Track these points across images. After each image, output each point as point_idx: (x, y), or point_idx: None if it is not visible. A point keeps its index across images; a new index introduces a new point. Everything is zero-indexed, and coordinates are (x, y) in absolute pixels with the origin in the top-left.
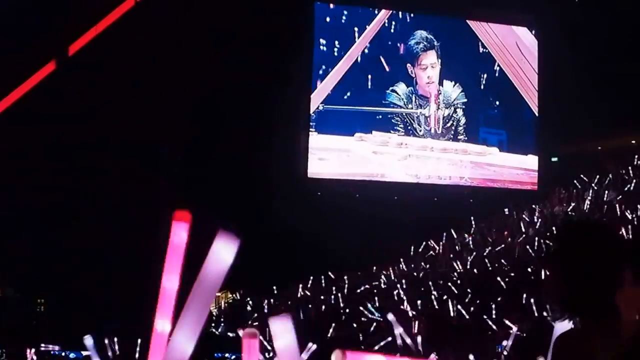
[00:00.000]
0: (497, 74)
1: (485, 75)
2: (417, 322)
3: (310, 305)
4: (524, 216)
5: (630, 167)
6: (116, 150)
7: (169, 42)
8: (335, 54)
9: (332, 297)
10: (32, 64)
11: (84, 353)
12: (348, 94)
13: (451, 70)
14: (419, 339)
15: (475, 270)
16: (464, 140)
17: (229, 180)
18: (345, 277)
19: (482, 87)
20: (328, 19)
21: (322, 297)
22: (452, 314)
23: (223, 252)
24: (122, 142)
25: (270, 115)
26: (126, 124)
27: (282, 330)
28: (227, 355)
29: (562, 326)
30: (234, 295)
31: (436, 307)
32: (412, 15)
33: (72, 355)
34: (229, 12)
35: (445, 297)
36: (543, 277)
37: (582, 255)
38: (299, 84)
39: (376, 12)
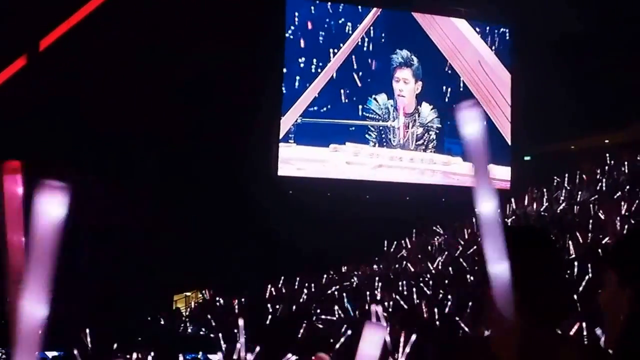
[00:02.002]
0: (461, 89)
1: (451, 91)
2: (388, 323)
3: (281, 305)
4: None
5: (606, 167)
6: (89, 147)
7: (142, 37)
8: (313, 70)
9: (304, 296)
10: (3, 58)
11: (49, 354)
12: (324, 108)
13: (428, 93)
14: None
15: (450, 269)
16: (432, 151)
17: (202, 181)
18: (317, 277)
19: (447, 100)
20: (306, 39)
21: (293, 297)
22: (424, 314)
23: (50, 206)
24: (95, 140)
25: (245, 121)
26: (99, 120)
27: (375, 341)
28: (198, 356)
29: None
30: (203, 294)
31: (407, 307)
32: (383, 35)
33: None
34: (205, 16)
35: (417, 297)
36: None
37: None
38: (271, 94)
39: (351, 32)
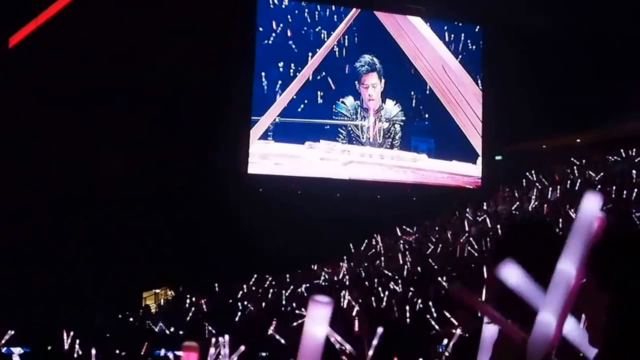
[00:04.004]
0: (427, 92)
1: (417, 93)
2: (357, 321)
3: (250, 303)
4: (467, 214)
5: (575, 167)
6: (56, 146)
7: (113, 35)
8: (291, 74)
9: (274, 294)
10: None
11: (14, 350)
12: (301, 107)
13: (393, 90)
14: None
15: (418, 269)
16: (398, 148)
17: (174, 179)
18: (287, 275)
19: (414, 103)
20: (285, 46)
21: (263, 295)
22: (394, 312)
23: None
24: (64, 138)
25: (217, 121)
26: (68, 119)
27: (321, 317)
28: (168, 353)
29: (490, 328)
30: (173, 291)
31: (377, 305)
32: (355, 41)
33: (4, 350)
34: (179, 16)
35: (387, 296)
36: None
37: (519, 256)
38: (243, 96)
39: (325, 38)
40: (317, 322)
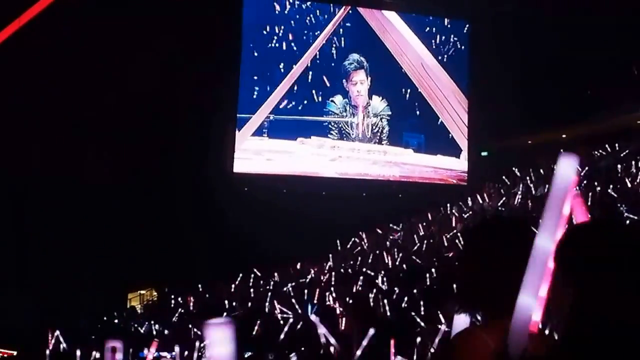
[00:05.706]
0: (416, 90)
1: (404, 90)
2: (344, 319)
3: (236, 302)
4: (453, 211)
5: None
6: (42, 146)
7: (98, 35)
8: (283, 73)
9: (259, 293)
10: None
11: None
12: (293, 105)
13: (379, 87)
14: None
15: (404, 266)
16: (387, 144)
17: (159, 179)
18: (274, 274)
19: (401, 99)
20: (285, 47)
21: (249, 294)
22: (380, 310)
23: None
24: (49, 137)
25: (202, 119)
26: (54, 119)
27: (221, 338)
28: (149, 353)
29: (461, 320)
30: (158, 292)
31: (364, 303)
32: (345, 41)
33: None
34: (165, 14)
35: (373, 293)
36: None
37: (482, 251)
38: (229, 96)
39: (316, 38)
40: (220, 344)
